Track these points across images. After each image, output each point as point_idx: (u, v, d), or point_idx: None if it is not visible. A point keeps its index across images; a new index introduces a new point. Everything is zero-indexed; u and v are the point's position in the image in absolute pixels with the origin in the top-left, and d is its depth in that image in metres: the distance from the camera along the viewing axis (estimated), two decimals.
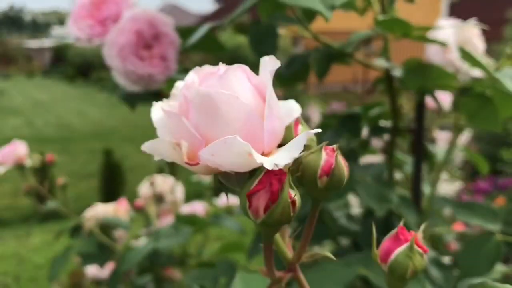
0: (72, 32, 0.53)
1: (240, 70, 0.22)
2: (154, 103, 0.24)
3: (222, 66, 0.23)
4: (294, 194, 0.22)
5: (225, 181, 0.23)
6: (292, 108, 0.24)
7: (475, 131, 5.42)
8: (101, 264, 0.80)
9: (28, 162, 0.79)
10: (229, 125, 0.21)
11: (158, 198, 0.94)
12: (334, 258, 0.23)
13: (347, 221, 0.72)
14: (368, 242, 0.60)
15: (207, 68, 0.23)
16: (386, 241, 0.26)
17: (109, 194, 3.32)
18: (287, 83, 0.69)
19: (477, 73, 0.58)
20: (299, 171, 0.23)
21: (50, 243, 3.53)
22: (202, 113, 0.21)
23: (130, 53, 0.51)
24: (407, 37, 0.55)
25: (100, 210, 0.85)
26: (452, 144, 0.63)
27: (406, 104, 0.71)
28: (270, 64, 0.22)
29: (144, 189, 0.94)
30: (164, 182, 0.93)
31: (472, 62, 0.52)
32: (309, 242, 0.25)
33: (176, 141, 0.22)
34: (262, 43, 0.52)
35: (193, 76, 0.23)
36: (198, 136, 0.21)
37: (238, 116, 0.21)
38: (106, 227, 0.85)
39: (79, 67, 11.20)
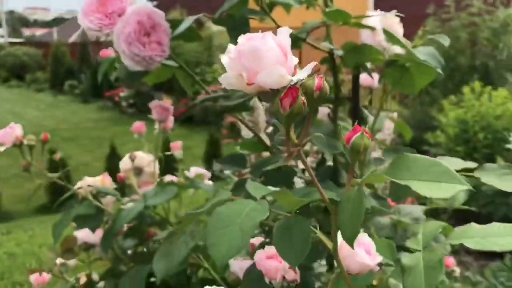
0: (84, 24, 0.66)
1: (270, 34, 0.38)
2: (221, 55, 0.40)
3: (260, 33, 0.39)
4: (303, 99, 0.39)
5: (263, 96, 0.39)
6: (295, 58, 0.41)
7: (403, 117, 5.80)
8: (95, 226, 0.93)
9: (25, 142, 0.90)
10: (268, 63, 0.38)
11: (137, 171, 1.08)
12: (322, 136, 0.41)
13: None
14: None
15: (249, 34, 0.39)
16: (348, 134, 0.43)
17: (56, 193, 3.36)
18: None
19: (398, 50, 0.76)
20: (304, 89, 0.40)
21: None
22: (251, 57, 0.38)
23: (134, 39, 0.65)
24: (346, 24, 0.72)
25: (89, 181, 0.97)
26: (380, 106, 0.82)
27: (345, 78, 0.90)
28: (284, 31, 0.39)
29: (124, 163, 1.07)
30: (142, 157, 1.07)
31: (394, 41, 0.71)
32: (305, 134, 0.41)
33: (239, 73, 0.38)
34: (238, 31, 0.68)
35: (242, 39, 0.39)
36: (251, 69, 0.37)
37: (273, 57, 0.38)
38: (95, 196, 0.97)
39: (12, 68, 10.81)
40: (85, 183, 0.96)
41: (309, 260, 0.62)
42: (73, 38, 15.05)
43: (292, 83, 0.38)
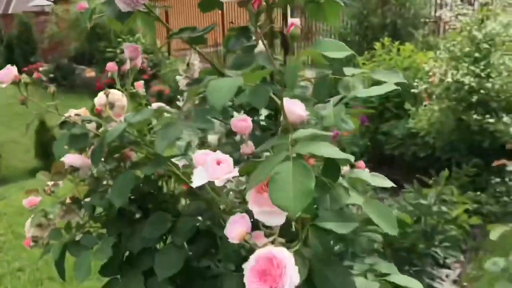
0: None
1: None
2: None
3: None
4: (265, 4, 0.65)
5: (240, 4, 0.64)
6: None
7: None
8: (84, 145, 1.15)
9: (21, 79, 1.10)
10: None
11: (110, 105, 1.30)
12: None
13: None
14: None
15: None
16: (288, 28, 0.69)
17: None
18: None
19: None
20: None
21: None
22: None
23: None
24: None
25: (74, 111, 1.19)
26: (303, 37, 1.09)
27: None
28: None
29: (99, 99, 1.28)
30: (114, 93, 1.29)
31: None
32: (267, 23, 0.68)
33: None
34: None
35: None
36: None
37: None
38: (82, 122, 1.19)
39: None
40: (72, 113, 1.17)
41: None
42: None
43: None
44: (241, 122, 0.78)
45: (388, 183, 1.01)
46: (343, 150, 0.75)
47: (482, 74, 3.66)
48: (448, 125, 3.81)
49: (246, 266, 0.63)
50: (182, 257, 1.11)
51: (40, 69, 10.78)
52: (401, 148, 4.42)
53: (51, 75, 10.58)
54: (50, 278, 3.35)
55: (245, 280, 0.63)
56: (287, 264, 0.59)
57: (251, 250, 0.66)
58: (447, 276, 3.25)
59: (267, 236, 0.68)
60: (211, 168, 0.68)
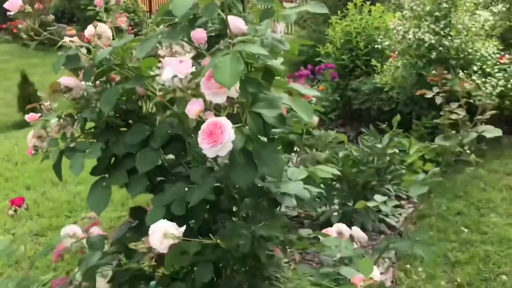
0: None
1: None
2: None
3: None
4: None
5: None
6: None
7: (301, 37, 6.46)
8: (77, 65, 1.40)
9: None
10: None
11: (98, 36, 1.54)
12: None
13: None
14: None
15: None
16: None
17: None
18: None
19: None
20: None
21: None
22: None
23: None
24: None
25: (68, 39, 1.44)
26: None
27: None
28: None
29: (88, 30, 1.53)
30: (101, 25, 1.54)
31: None
32: None
33: None
34: None
35: None
36: None
37: None
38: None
39: None
40: (66, 39, 1.42)
41: None
42: None
43: None
44: (199, 33, 1.04)
45: (314, 92, 1.31)
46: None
47: (442, 33, 3.95)
48: (410, 80, 4.11)
49: (200, 131, 0.92)
50: (157, 156, 1.39)
51: (19, 26, 10.72)
52: (368, 103, 4.73)
53: (32, 33, 10.54)
54: (39, 214, 3.63)
55: (198, 140, 0.91)
56: (227, 127, 0.87)
57: None
58: (400, 214, 3.63)
59: (216, 115, 0.95)
60: (176, 66, 0.94)
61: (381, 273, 2.78)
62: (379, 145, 3.13)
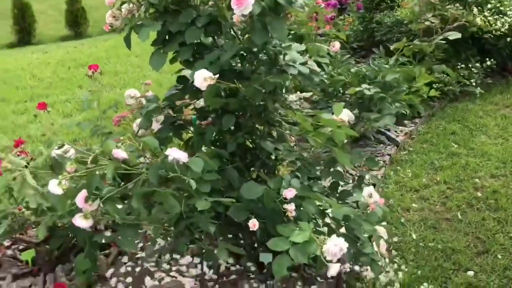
0: None
1: None
2: None
3: None
4: None
5: None
6: None
7: None
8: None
9: None
10: None
11: None
12: None
13: None
14: None
15: None
16: None
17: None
18: None
19: None
20: None
21: None
22: None
23: None
24: None
25: None
26: None
27: None
28: None
29: None
30: None
31: None
32: None
33: None
34: None
35: None
36: None
37: None
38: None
39: None
40: None
41: None
42: None
43: None
44: None
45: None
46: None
47: None
48: (426, 14, 4.47)
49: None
50: (200, 32, 1.91)
51: None
52: (389, 34, 5.12)
53: None
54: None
55: (231, 3, 1.45)
56: None
57: None
58: (401, 131, 4.12)
59: None
60: None
61: (375, 170, 3.33)
62: (386, 66, 3.59)
